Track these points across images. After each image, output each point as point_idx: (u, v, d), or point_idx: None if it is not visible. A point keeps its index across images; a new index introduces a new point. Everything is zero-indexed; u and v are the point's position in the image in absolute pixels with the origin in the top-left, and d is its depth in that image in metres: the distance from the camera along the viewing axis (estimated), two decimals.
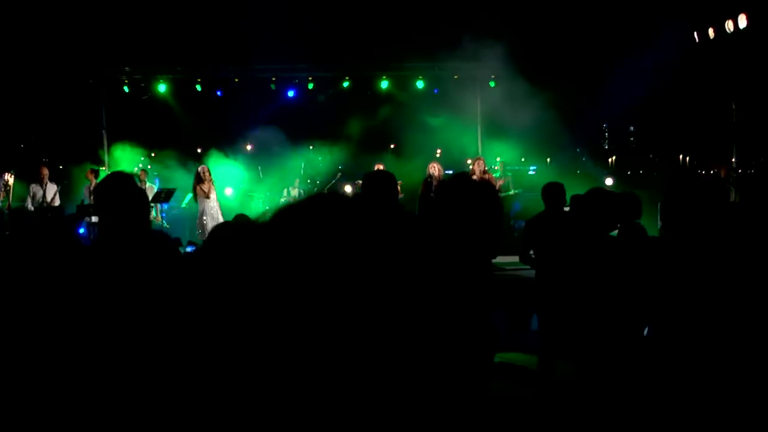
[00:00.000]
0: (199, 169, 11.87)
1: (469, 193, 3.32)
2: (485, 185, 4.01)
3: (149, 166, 17.03)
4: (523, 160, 17.14)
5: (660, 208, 4.36)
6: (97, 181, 12.92)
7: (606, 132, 30.61)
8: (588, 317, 4.47)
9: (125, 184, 3.44)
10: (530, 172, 19.80)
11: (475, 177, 12.13)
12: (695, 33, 13.99)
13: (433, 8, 15.21)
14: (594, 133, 26.50)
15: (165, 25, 15.88)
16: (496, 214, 3.56)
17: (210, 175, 11.80)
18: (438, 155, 20.72)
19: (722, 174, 14.83)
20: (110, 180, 3.45)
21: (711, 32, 13.50)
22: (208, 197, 11.53)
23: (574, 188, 5.94)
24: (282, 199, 14.10)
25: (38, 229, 4.12)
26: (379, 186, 4.15)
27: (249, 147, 19.09)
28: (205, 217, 11.48)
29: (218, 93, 15.92)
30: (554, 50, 17.03)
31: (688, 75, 18.32)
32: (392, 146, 20.35)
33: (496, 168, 13.63)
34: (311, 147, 17.69)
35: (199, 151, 22.08)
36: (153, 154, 20.52)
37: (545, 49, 16.65)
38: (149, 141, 17.61)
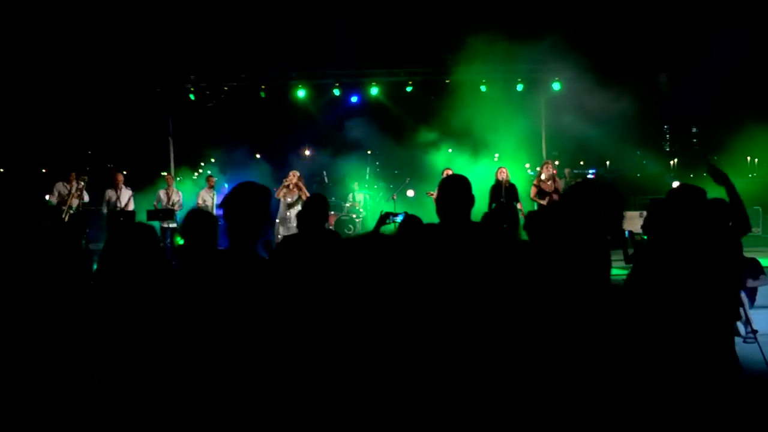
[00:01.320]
0: (291, 173, 11.89)
1: (600, 198, 3.40)
2: (611, 190, 3.96)
3: (209, 172, 17.38)
4: (581, 163, 16.84)
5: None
6: (176, 188, 13.28)
7: (667, 134, 29.92)
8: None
9: (257, 193, 3.49)
10: (589, 176, 19.49)
11: (543, 180, 12.02)
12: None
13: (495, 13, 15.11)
14: (655, 134, 25.98)
15: (229, 34, 16.18)
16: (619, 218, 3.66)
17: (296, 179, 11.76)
18: (496, 159, 20.64)
19: None
20: (244, 189, 3.49)
21: None
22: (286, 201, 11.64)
23: (635, 192, 5.83)
24: (347, 204, 14.17)
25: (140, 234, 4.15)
26: (458, 192, 4.06)
27: (308, 153, 19.29)
28: (277, 220, 11.60)
29: (276, 99, 16.06)
30: (617, 52, 16.76)
31: (756, 74, 17.85)
32: (449, 150, 20.26)
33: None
34: (368, 152, 17.75)
35: (258, 156, 22.46)
36: (212, 160, 20.93)
37: (608, 51, 16.40)
38: (214, 147, 17.94)
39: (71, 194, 11.92)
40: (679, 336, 3.69)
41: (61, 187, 12.01)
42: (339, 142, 16.66)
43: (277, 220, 11.58)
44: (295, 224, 11.30)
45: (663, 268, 3.76)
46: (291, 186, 11.52)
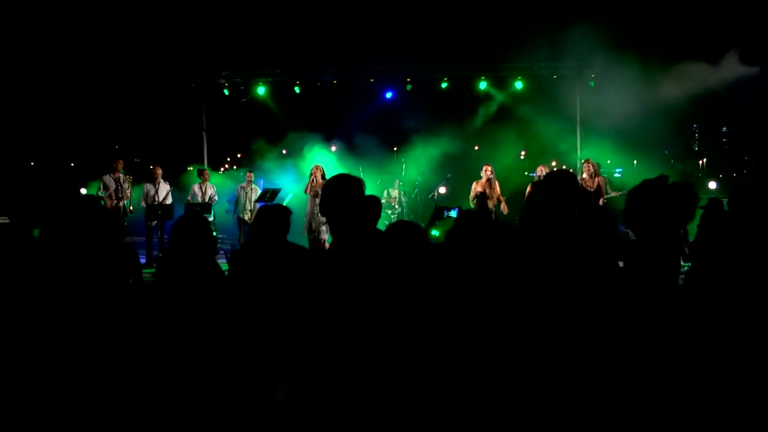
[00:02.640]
0: (313, 168, 11.86)
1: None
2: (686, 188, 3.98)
3: (235, 167, 17.46)
4: (609, 162, 16.75)
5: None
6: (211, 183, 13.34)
7: (696, 133, 29.61)
8: None
9: (353, 186, 3.46)
10: (616, 175, 19.33)
11: (585, 179, 11.90)
12: None
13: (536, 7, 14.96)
14: (684, 133, 25.74)
15: (263, 29, 16.19)
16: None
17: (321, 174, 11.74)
18: (522, 156, 20.55)
19: None
20: (340, 182, 3.46)
21: None
22: (317, 197, 11.47)
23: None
24: (383, 201, 14.12)
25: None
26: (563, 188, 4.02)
27: (336, 148, 19.27)
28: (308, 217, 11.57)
29: (315, 94, 16.05)
30: (648, 49, 16.53)
31: None
32: (476, 148, 20.19)
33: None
34: (395, 149, 17.71)
35: (284, 152, 22.46)
36: (239, 155, 20.96)
37: (639, 47, 16.18)
38: (247, 142, 17.94)
39: (123, 190, 11.99)
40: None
41: (108, 179, 12.07)
42: (375, 137, 16.63)
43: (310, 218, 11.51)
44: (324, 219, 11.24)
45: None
46: (316, 181, 11.53)
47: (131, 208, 12.27)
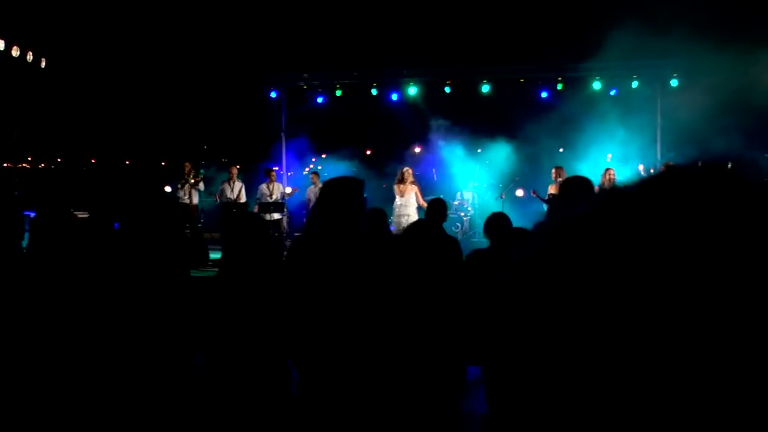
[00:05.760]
0: (404, 169, 12.14)
1: None
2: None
3: (320, 167, 17.79)
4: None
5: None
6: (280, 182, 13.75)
7: None
8: None
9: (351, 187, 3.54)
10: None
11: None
12: None
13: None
14: None
15: (342, 32, 16.50)
16: None
17: (409, 176, 12.01)
18: (608, 159, 19.98)
19: None
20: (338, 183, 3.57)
21: None
22: (402, 196, 11.85)
23: None
24: (455, 203, 14.14)
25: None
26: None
27: (417, 150, 19.37)
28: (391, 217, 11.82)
29: (391, 97, 16.21)
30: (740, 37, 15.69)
31: None
32: (561, 150, 19.81)
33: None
34: (479, 150, 17.63)
35: (368, 153, 22.77)
36: (323, 155, 21.39)
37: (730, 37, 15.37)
38: (320, 143, 18.32)
39: (185, 185, 12.56)
40: None
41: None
42: (448, 140, 16.64)
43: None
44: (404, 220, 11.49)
45: None
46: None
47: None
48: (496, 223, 5.03)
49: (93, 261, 5.33)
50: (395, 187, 11.89)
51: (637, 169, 15.95)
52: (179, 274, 5.23)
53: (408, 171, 11.94)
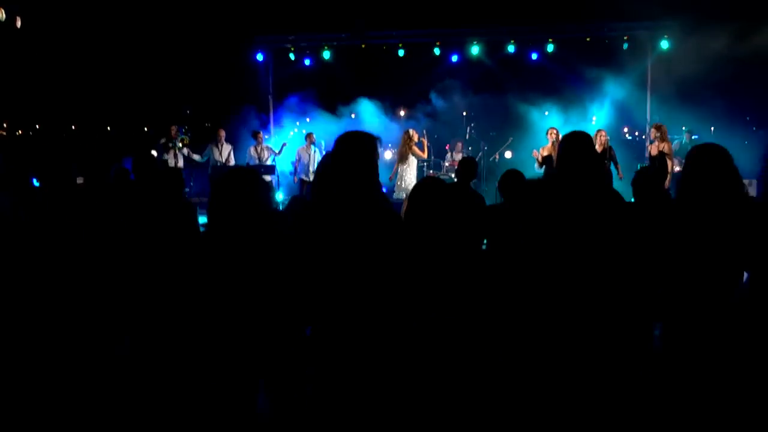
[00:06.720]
0: (410, 131, 12.04)
1: None
2: None
3: (304, 131, 17.63)
4: (684, 128, 16.12)
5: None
6: (267, 144, 13.62)
7: None
8: None
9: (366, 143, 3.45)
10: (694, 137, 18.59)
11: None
12: None
13: None
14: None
15: None
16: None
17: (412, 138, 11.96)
18: (593, 122, 19.95)
19: None
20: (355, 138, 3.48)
21: None
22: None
23: (741, 161, 4.60)
24: (446, 163, 14.10)
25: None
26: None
27: (402, 113, 19.23)
28: (399, 181, 11.82)
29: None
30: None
31: None
32: (545, 113, 19.81)
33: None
34: (464, 114, 17.53)
35: (353, 116, 22.54)
36: (308, 119, 21.17)
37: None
38: (308, 105, 18.09)
39: (172, 149, 12.47)
40: None
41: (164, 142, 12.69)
42: (436, 103, 16.55)
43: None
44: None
45: None
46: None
47: None
48: (511, 180, 5.10)
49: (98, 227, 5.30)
50: (404, 150, 11.84)
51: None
52: (183, 235, 5.20)
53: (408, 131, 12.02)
